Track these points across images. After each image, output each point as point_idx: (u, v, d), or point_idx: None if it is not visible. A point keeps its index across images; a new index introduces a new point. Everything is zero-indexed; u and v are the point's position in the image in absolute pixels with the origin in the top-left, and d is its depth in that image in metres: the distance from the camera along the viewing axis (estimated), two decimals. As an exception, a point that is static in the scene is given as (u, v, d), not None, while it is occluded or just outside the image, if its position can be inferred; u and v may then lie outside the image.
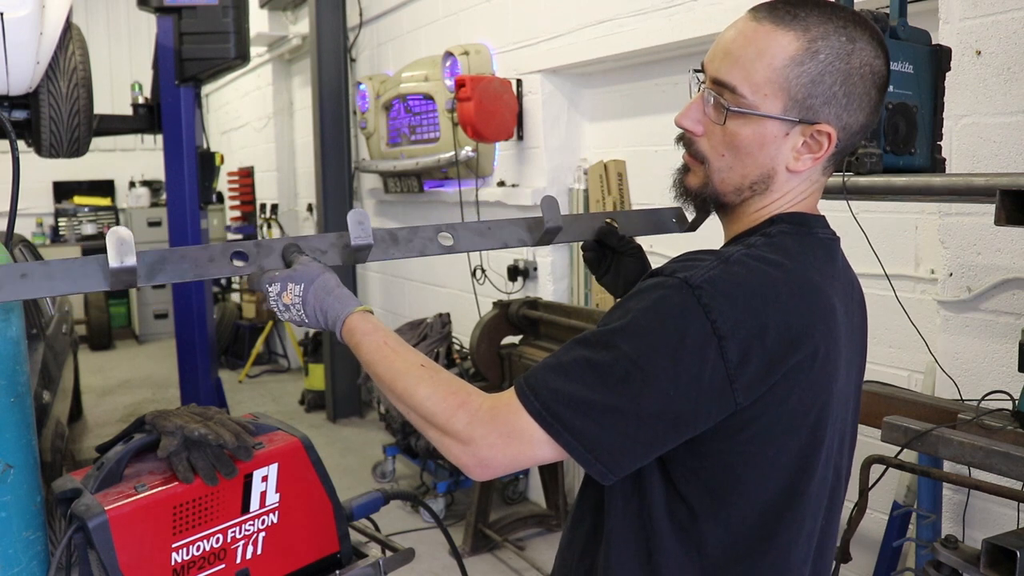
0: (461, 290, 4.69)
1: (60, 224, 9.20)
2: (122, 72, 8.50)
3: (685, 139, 1.11)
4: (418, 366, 1.05)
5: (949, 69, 1.76)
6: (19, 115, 3.30)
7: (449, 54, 4.28)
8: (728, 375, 0.92)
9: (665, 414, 0.93)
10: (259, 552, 1.36)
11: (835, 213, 1.78)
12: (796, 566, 1.05)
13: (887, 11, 1.67)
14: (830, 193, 1.71)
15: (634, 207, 3.73)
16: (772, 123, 1.02)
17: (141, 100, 4.15)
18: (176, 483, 1.27)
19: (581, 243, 1.46)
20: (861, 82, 1.02)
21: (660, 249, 2.79)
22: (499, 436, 0.97)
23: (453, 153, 4.34)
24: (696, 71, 1.10)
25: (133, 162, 9.23)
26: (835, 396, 1.03)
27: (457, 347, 4.26)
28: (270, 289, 1.15)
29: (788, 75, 1.00)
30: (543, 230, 1.36)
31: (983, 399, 1.90)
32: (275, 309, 1.16)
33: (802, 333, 0.96)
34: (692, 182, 1.11)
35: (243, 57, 3.98)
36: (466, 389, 1.02)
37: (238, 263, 1.16)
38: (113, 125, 4.19)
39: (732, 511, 1.00)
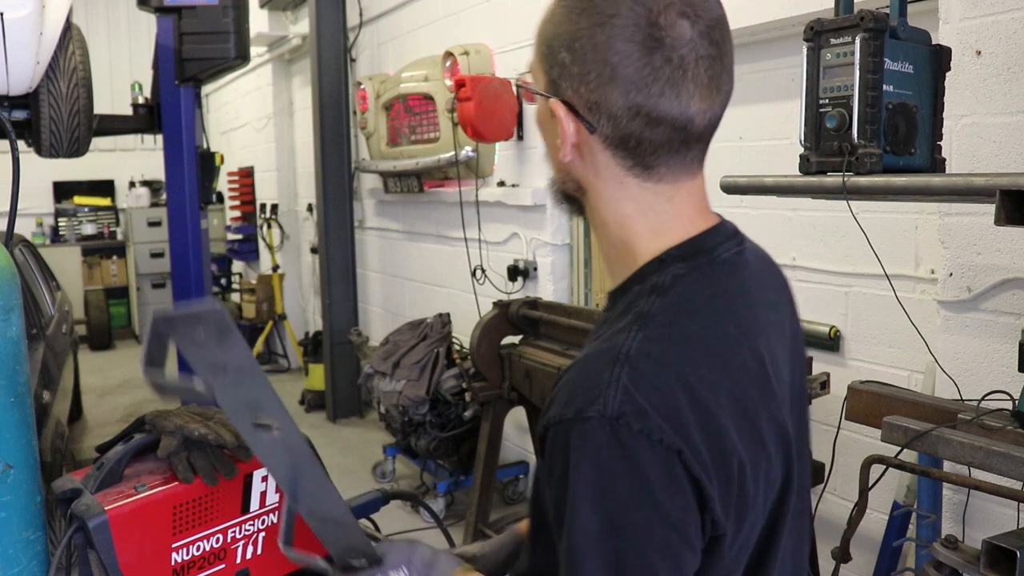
0: (461, 290, 4.69)
1: (60, 224, 9.21)
2: (122, 72, 8.49)
3: None
4: None
5: (949, 69, 1.76)
6: (19, 115, 3.30)
7: (449, 54, 4.28)
8: (698, 479, 0.80)
9: (676, 563, 0.80)
10: (259, 552, 1.36)
11: (835, 213, 1.79)
12: None
13: (887, 11, 1.67)
14: (830, 193, 1.71)
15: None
16: (544, 102, 0.96)
17: (141, 100, 4.15)
18: (176, 483, 1.26)
19: None
20: (595, 36, 0.84)
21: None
22: None
23: (453, 153, 4.34)
24: None
25: (133, 162, 9.24)
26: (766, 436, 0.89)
27: (457, 347, 4.26)
28: None
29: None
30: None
31: (983, 399, 1.90)
32: None
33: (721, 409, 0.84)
34: None
35: (243, 57, 3.98)
36: None
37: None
38: (113, 125, 4.18)
39: None
